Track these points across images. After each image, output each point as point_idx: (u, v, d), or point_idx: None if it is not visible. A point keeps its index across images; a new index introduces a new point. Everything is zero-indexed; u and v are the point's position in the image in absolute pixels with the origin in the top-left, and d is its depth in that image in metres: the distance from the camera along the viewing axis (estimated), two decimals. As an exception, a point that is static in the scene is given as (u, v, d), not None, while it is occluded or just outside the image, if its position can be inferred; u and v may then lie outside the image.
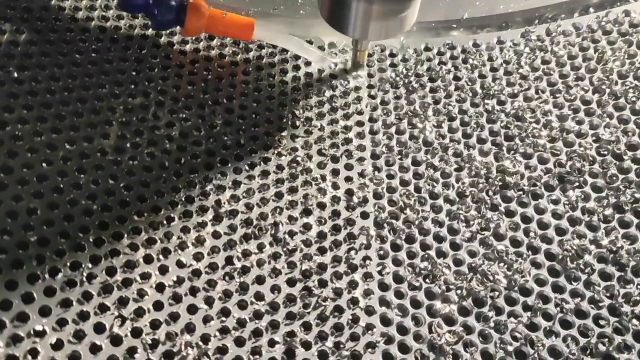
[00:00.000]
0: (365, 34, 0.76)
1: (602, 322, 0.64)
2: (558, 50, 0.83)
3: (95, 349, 0.59)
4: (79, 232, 0.65)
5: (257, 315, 0.64)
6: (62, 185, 0.67)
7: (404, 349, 0.64)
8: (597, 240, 0.69)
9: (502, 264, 0.68)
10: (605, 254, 0.68)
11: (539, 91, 0.81)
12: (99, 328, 0.60)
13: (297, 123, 0.78)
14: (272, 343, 0.63)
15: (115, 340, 0.60)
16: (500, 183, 0.74)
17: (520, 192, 0.73)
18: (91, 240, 0.64)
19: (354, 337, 0.64)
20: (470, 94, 0.82)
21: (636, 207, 0.70)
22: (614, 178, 0.72)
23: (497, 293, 0.66)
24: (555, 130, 0.77)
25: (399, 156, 0.77)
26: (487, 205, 0.72)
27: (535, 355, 0.62)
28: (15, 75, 0.74)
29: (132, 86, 0.77)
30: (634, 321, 0.63)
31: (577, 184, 0.73)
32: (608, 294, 0.65)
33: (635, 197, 0.70)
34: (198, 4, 0.78)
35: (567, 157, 0.75)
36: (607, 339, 0.63)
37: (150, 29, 0.82)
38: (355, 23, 0.74)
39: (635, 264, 0.67)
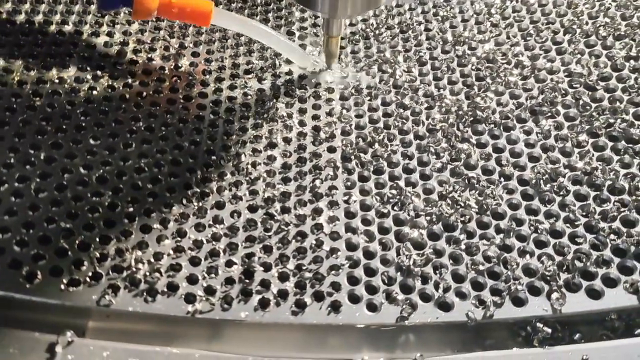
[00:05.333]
0: (335, 10, 0.69)
1: (578, 240, 0.61)
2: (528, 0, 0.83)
3: (38, 257, 0.55)
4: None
5: (215, 238, 0.61)
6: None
7: (369, 272, 0.60)
8: (571, 165, 0.66)
9: (473, 191, 0.65)
10: (579, 176, 0.65)
11: (510, 36, 0.80)
12: (44, 239, 0.57)
13: (264, 67, 0.77)
14: (229, 263, 0.59)
15: (61, 252, 0.56)
16: (471, 118, 0.72)
17: (492, 125, 0.71)
18: (42, 158, 0.62)
19: (317, 260, 0.60)
20: (441, 42, 0.81)
21: (610, 132, 0.68)
22: (587, 107, 0.70)
23: (467, 217, 0.63)
24: (527, 69, 0.75)
25: (368, 97, 0.75)
26: (458, 138, 0.70)
27: (509, 273, 0.59)
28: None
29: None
30: (612, 236, 0.60)
31: (549, 114, 0.71)
32: (584, 213, 0.62)
33: (610, 122, 0.68)
34: None
35: (539, 91, 0.73)
36: (584, 255, 0.59)
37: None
38: None
39: (611, 183, 0.64)
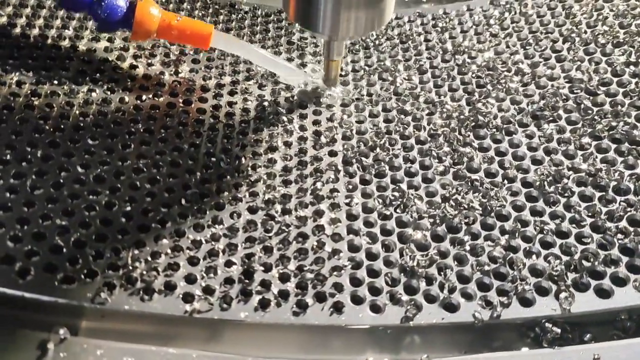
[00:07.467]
0: (337, 31, 0.67)
1: (585, 240, 0.59)
2: (527, 11, 0.84)
3: (32, 254, 0.54)
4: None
5: (214, 238, 0.59)
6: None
7: (372, 273, 0.58)
8: (575, 167, 0.65)
9: (476, 194, 0.64)
10: (584, 177, 0.64)
11: (509, 45, 0.80)
12: (38, 236, 0.55)
13: (265, 74, 0.77)
14: (229, 264, 0.58)
15: (55, 249, 0.55)
16: (473, 123, 0.71)
17: (494, 130, 0.70)
18: (39, 155, 0.61)
19: (318, 261, 0.59)
20: (441, 52, 0.81)
21: (613, 134, 0.67)
22: (589, 111, 0.70)
23: (472, 219, 0.62)
24: (527, 75, 0.75)
25: (369, 104, 0.75)
26: (459, 142, 0.70)
27: (515, 274, 0.57)
28: None
29: None
30: (619, 236, 0.59)
31: (551, 118, 0.70)
32: (590, 214, 0.61)
33: (612, 124, 0.68)
34: (148, 5, 0.70)
35: (540, 96, 0.73)
36: (592, 255, 0.58)
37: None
38: (324, 16, 0.65)
39: (616, 184, 0.63)
